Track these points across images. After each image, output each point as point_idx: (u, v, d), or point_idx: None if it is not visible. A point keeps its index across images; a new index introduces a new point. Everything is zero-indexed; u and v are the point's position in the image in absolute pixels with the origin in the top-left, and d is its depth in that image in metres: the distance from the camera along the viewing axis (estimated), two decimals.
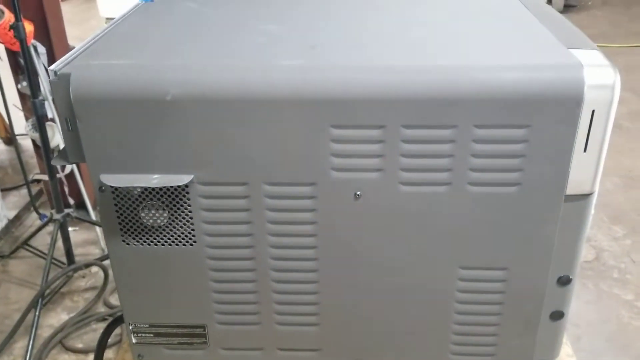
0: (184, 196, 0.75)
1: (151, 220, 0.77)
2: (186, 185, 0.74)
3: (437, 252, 0.77)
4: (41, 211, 2.65)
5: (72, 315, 2.26)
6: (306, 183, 0.74)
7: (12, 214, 2.83)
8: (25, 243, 2.53)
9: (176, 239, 0.78)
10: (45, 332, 2.17)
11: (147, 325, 0.86)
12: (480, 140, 0.70)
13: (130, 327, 0.86)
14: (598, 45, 0.72)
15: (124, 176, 0.74)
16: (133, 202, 0.76)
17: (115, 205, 0.76)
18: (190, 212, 0.76)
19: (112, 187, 0.74)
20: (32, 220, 2.82)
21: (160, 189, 0.75)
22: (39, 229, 2.49)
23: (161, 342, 0.87)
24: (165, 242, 0.78)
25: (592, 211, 0.77)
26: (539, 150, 0.70)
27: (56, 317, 2.27)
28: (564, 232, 0.75)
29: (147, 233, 0.78)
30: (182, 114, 0.70)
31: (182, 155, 0.73)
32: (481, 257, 0.77)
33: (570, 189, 0.72)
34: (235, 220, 0.77)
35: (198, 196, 0.75)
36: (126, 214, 0.77)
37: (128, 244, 0.79)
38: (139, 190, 0.75)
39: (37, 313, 2.12)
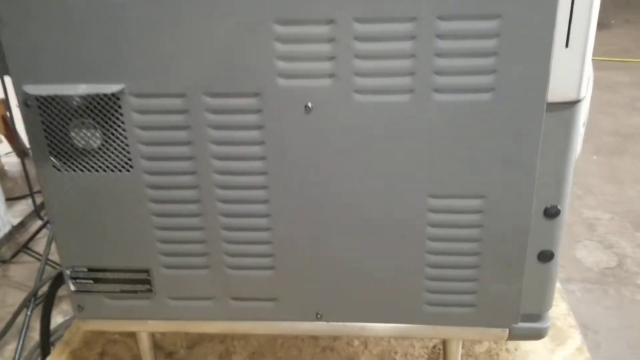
0: (116, 111, 0.67)
1: (83, 142, 0.69)
2: (117, 98, 0.66)
3: (402, 177, 0.68)
4: (46, 218, 2.60)
5: (66, 318, 2.18)
6: (250, 93, 0.65)
7: (16, 220, 2.79)
8: (25, 246, 2.47)
9: (111, 163, 0.70)
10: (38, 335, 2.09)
11: (86, 270, 0.77)
12: (444, 35, 0.61)
13: (68, 272, 0.78)
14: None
15: (49, 86, 0.66)
16: (62, 119, 0.68)
17: (43, 123, 0.68)
18: (124, 130, 0.68)
19: (36, 98, 0.67)
20: (37, 227, 2.78)
21: (90, 102, 0.67)
22: (38, 231, 2.43)
23: (102, 289, 0.78)
24: (100, 167, 0.70)
25: (582, 129, 0.66)
26: (513, 46, 0.60)
27: (51, 320, 2.19)
28: (548, 152, 0.65)
29: (79, 157, 0.70)
30: (108, 14, 0.62)
31: (112, 62, 0.65)
32: (453, 183, 0.67)
33: (553, 95, 0.62)
34: (175, 141, 0.68)
35: (132, 111, 0.67)
36: (55, 134, 0.69)
37: (59, 169, 0.71)
38: (67, 104, 0.67)
39: (28, 313, 2.04)
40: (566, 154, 0.65)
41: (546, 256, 0.70)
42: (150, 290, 0.78)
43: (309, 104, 0.65)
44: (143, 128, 0.68)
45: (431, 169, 0.67)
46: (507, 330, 0.75)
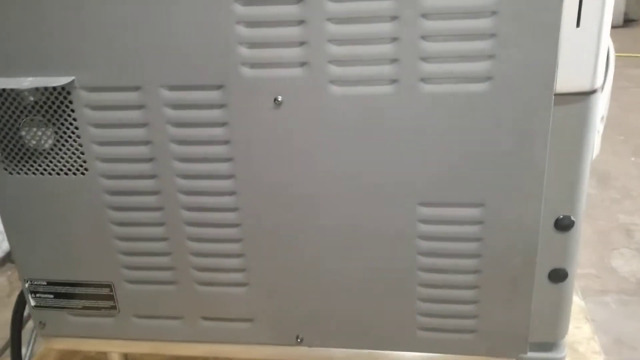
0: (67, 107, 0.60)
1: (34, 141, 0.62)
2: (68, 92, 0.59)
3: (387, 181, 0.58)
4: None
5: None
6: (212, 86, 0.57)
7: None
8: None
9: (64, 165, 0.63)
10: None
11: (45, 283, 0.70)
12: (431, 13, 0.52)
13: (27, 285, 0.71)
14: None
15: None
16: (10, 116, 0.61)
17: None
18: (76, 128, 0.61)
19: None
20: None
21: (40, 98, 0.60)
22: None
23: (63, 305, 0.71)
24: (53, 169, 0.63)
25: (600, 125, 0.56)
26: (513, 26, 0.51)
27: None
28: (558, 152, 0.55)
29: (30, 158, 0.63)
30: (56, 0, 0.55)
31: (60, 52, 0.58)
32: (447, 188, 0.58)
33: (562, 85, 0.52)
34: (132, 140, 0.61)
35: (84, 107, 0.60)
36: (4, 132, 0.62)
37: (11, 172, 0.64)
38: (15, 100, 0.60)
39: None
40: (580, 155, 0.55)
41: (559, 275, 0.60)
42: (114, 307, 0.70)
43: (279, 98, 0.57)
44: (97, 126, 0.61)
45: (420, 172, 0.58)
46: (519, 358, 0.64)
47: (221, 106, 0.58)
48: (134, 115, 0.60)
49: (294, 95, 0.56)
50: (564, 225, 0.58)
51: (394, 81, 0.54)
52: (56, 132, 0.61)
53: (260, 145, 0.59)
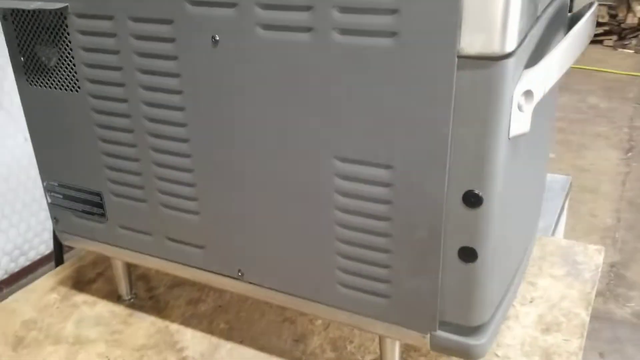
0: (64, 30, 0.70)
1: (44, 58, 0.73)
2: (64, 17, 0.69)
3: (306, 131, 0.60)
4: None
5: None
6: (165, 20, 0.63)
7: None
8: None
9: (64, 82, 0.73)
10: None
11: (57, 184, 0.82)
12: None
13: (45, 185, 0.83)
14: None
15: (9, 1, 0.71)
16: (29, 35, 0.73)
17: (17, 37, 0.74)
18: (71, 50, 0.71)
19: (6, 11, 0.72)
20: None
21: (45, 20, 0.70)
22: None
23: (69, 206, 0.82)
24: (57, 84, 0.74)
25: (527, 104, 0.52)
26: None
27: None
28: (466, 122, 0.52)
29: (44, 73, 0.74)
30: None
31: None
32: (359, 146, 0.58)
33: (467, 46, 0.50)
34: (109, 65, 0.69)
35: (75, 31, 0.69)
36: (24, 47, 0.74)
37: (30, 83, 0.76)
38: (32, 20, 0.71)
39: None
40: (489, 127, 0.52)
41: (467, 255, 0.57)
42: (103, 215, 0.80)
43: (216, 36, 0.61)
44: (85, 49, 0.70)
45: (335, 125, 0.58)
46: (428, 336, 0.63)
47: (171, 40, 0.63)
48: (109, 42, 0.67)
49: (228, 35, 0.60)
50: (471, 200, 0.55)
51: (309, 29, 0.55)
52: (58, 52, 0.72)
53: (204, 81, 0.63)
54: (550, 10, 0.60)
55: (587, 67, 3.66)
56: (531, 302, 0.87)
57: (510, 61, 0.50)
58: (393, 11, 0.51)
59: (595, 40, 3.82)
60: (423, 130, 0.54)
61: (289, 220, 0.65)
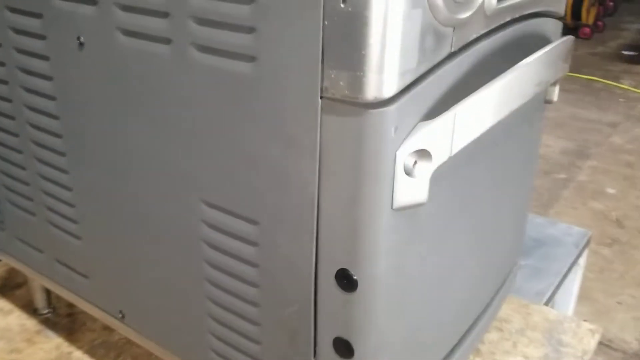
0: None
1: None
2: None
3: (172, 164, 0.48)
4: None
5: None
6: (34, 13, 0.53)
7: None
8: None
9: None
10: None
11: None
12: None
13: None
14: None
15: None
16: None
17: None
18: None
19: None
20: None
21: None
22: None
23: None
24: None
25: (424, 167, 0.39)
26: None
27: None
28: (335, 181, 0.40)
29: None
30: None
31: None
32: (224, 191, 0.46)
33: (332, 83, 0.37)
34: None
35: None
36: None
37: None
38: None
39: None
40: (361, 194, 0.39)
41: (342, 348, 0.44)
42: (2, 222, 0.71)
43: (81, 38, 0.50)
44: None
45: (200, 161, 0.46)
46: None
47: (42, 37, 0.53)
48: None
49: (92, 39, 0.49)
50: (343, 282, 0.42)
51: (168, 41, 0.44)
52: None
53: (73, 89, 0.53)
54: (493, 43, 0.46)
55: None
56: None
57: (389, 110, 0.36)
58: (250, 29, 0.39)
59: None
60: (288, 185, 0.41)
61: (160, 266, 0.54)
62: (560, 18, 0.59)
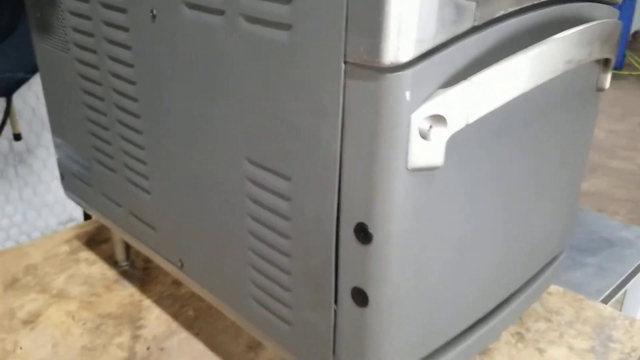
0: None
1: (48, 17, 0.75)
2: None
3: (224, 126, 0.54)
4: None
5: None
6: None
7: None
8: None
9: (59, 43, 0.74)
10: None
11: (61, 141, 0.85)
12: None
13: (53, 140, 0.86)
14: None
15: None
16: None
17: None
18: (62, 11, 0.71)
19: None
20: None
21: None
22: None
23: (68, 165, 0.85)
24: (55, 45, 0.75)
25: (440, 132, 0.42)
26: None
27: None
28: (355, 141, 0.44)
29: (48, 32, 0.76)
30: None
31: None
32: (264, 149, 0.51)
33: (354, 49, 0.41)
34: (86, 30, 0.68)
35: None
36: (37, 5, 0.76)
37: (40, 41, 0.79)
38: None
39: None
40: (378, 153, 0.43)
41: (359, 297, 0.48)
42: (90, 179, 0.81)
43: (154, 10, 0.57)
44: (71, 13, 0.70)
45: (246, 123, 0.52)
46: None
47: (124, 10, 0.61)
48: (84, 7, 0.67)
49: (162, 12, 0.56)
50: (361, 235, 0.46)
51: (222, 12, 0.50)
52: (55, 13, 0.73)
53: (147, 58, 0.60)
54: (526, 21, 0.48)
55: None
56: None
57: (404, 75, 0.40)
58: (288, 0, 0.44)
59: None
60: (315, 144, 0.46)
61: (212, 219, 0.60)
62: (614, 4, 0.59)
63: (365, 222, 0.45)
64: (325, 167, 0.46)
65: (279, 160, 0.50)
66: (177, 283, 0.89)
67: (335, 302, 0.50)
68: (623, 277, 0.94)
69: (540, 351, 0.76)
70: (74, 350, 0.76)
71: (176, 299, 0.86)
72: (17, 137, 1.85)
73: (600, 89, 0.60)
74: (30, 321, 0.82)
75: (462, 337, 0.59)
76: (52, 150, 1.94)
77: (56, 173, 1.88)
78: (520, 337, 0.78)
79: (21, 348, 0.77)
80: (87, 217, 1.07)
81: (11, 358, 0.75)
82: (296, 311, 0.54)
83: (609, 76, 0.59)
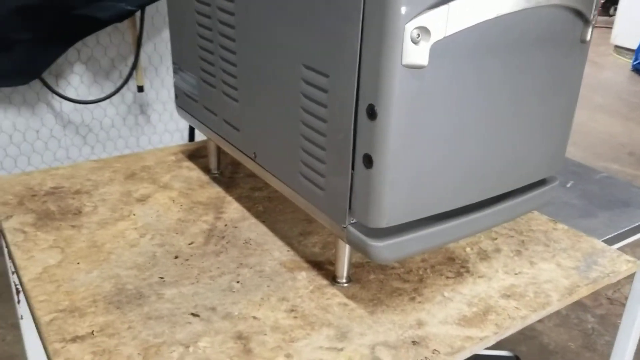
0: None
1: None
2: None
3: (289, 39, 0.77)
4: None
5: None
6: None
7: None
8: None
9: None
10: None
11: (178, 67, 1.11)
12: None
13: (173, 66, 1.13)
14: None
15: None
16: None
17: None
18: None
19: None
20: None
21: None
22: None
23: (182, 86, 1.11)
24: None
25: (417, 35, 0.62)
26: None
27: None
28: (370, 41, 0.64)
29: None
30: None
31: None
32: (314, 55, 0.73)
33: None
34: None
35: None
36: None
37: None
38: None
39: None
40: (383, 51, 0.63)
41: (367, 161, 0.69)
42: (196, 95, 1.06)
43: None
44: None
45: (301, 35, 0.74)
46: (345, 229, 0.75)
47: None
48: None
49: None
50: (369, 113, 0.66)
51: None
52: None
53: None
54: None
55: None
56: (516, 274, 0.90)
57: None
58: None
59: None
60: (344, 45, 0.67)
61: (278, 116, 0.83)
62: None
63: (374, 102, 0.66)
64: (350, 63, 0.67)
65: (323, 63, 0.71)
66: (253, 188, 1.13)
67: (353, 167, 0.71)
68: (625, 230, 1.07)
69: (532, 264, 0.93)
70: (171, 220, 1.02)
71: (251, 198, 1.10)
72: (141, 89, 2.20)
73: (583, 41, 0.77)
74: (142, 200, 1.08)
75: (451, 216, 0.78)
76: (167, 105, 2.28)
77: (169, 126, 2.21)
78: (518, 253, 0.96)
79: (134, 215, 1.03)
80: (190, 139, 1.33)
81: (126, 220, 1.02)
82: (328, 179, 0.76)
83: (590, 30, 0.76)
